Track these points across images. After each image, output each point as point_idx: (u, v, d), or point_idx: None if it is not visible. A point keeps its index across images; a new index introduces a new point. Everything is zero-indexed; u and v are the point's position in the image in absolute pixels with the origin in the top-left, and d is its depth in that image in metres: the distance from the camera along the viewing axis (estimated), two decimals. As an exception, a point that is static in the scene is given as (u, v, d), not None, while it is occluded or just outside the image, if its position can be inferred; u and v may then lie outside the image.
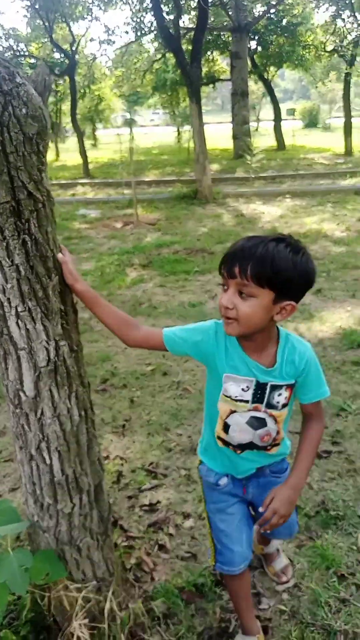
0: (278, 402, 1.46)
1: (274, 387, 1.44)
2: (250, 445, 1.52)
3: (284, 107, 29.55)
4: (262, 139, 18.81)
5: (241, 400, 1.45)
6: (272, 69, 19.90)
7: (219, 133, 22.35)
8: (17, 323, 1.35)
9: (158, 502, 2.43)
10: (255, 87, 24.45)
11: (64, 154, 21.90)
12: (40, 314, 1.36)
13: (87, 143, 18.26)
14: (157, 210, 9.95)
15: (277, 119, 18.92)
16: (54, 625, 1.76)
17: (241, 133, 16.62)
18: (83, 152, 15.44)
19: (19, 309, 1.34)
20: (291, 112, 39.07)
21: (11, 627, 1.82)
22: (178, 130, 22.07)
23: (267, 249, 1.28)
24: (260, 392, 1.44)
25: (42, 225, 1.31)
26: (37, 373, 1.41)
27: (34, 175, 1.26)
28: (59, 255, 1.39)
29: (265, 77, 19.43)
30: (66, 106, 19.69)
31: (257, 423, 1.48)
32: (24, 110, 1.21)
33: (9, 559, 1.48)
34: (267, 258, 1.27)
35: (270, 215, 8.97)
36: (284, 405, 1.47)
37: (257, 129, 15.27)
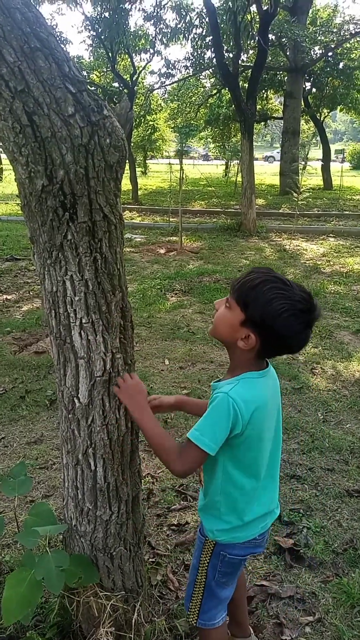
0: None
1: None
2: None
3: (333, 147, 29.77)
4: (310, 177, 18.98)
5: None
6: (325, 110, 20.16)
7: (266, 169, 22.63)
8: (79, 333, 1.45)
9: (187, 522, 2.46)
10: (306, 126, 24.75)
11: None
12: (101, 327, 1.46)
13: (138, 170, 18.76)
14: (201, 240, 10.13)
15: (326, 159, 19.09)
16: (79, 632, 1.81)
17: (289, 170, 16.81)
18: (134, 179, 15.86)
19: (83, 321, 1.44)
20: (340, 152, 39.27)
21: (37, 629, 1.88)
22: (226, 164, 22.44)
23: (259, 282, 1.35)
24: None
25: (112, 245, 1.42)
26: (93, 382, 1.50)
27: (110, 200, 1.37)
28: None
29: (317, 117, 19.68)
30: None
31: None
32: (107, 140, 1.32)
33: (47, 558, 1.54)
34: (253, 287, 1.35)
35: (313, 252, 9.01)
36: None
37: (304, 168, 15.43)
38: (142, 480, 2.77)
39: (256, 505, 1.51)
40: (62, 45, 1.32)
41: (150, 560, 2.19)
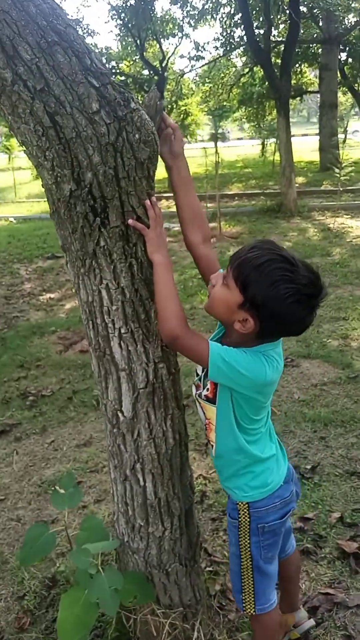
0: (207, 390, 1.42)
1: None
2: None
3: (373, 118, 28.67)
4: (351, 151, 18.32)
5: (196, 374, 1.49)
6: (362, 80, 19.39)
7: (304, 145, 22.01)
8: (119, 344, 1.37)
9: (243, 527, 2.36)
10: (343, 98, 23.88)
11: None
12: (141, 336, 1.37)
13: (172, 157, 18.54)
14: (240, 224, 9.90)
15: (367, 130, 18.41)
16: (138, 648, 1.75)
17: (329, 145, 16.25)
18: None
19: (122, 331, 1.35)
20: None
21: (95, 643, 1.83)
22: (263, 143, 21.95)
23: (264, 260, 1.23)
24: (204, 372, 1.43)
25: (148, 248, 1.32)
26: (136, 394, 1.41)
27: (143, 200, 1.27)
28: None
29: (355, 88, 18.93)
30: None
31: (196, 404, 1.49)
32: (137, 136, 1.22)
33: (100, 579, 1.48)
34: (256, 267, 1.23)
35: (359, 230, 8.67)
36: (208, 399, 1.42)
37: (345, 141, 14.87)
38: (195, 482, 2.69)
39: (267, 447, 1.46)
40: (90, 37, 1.23)
41: (208, 569, 2.10)
